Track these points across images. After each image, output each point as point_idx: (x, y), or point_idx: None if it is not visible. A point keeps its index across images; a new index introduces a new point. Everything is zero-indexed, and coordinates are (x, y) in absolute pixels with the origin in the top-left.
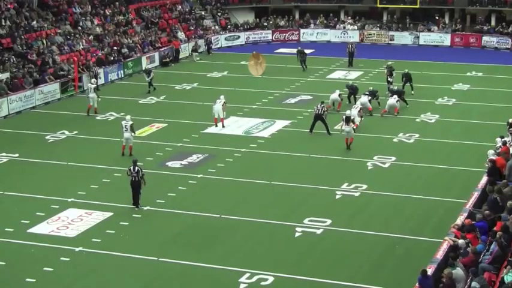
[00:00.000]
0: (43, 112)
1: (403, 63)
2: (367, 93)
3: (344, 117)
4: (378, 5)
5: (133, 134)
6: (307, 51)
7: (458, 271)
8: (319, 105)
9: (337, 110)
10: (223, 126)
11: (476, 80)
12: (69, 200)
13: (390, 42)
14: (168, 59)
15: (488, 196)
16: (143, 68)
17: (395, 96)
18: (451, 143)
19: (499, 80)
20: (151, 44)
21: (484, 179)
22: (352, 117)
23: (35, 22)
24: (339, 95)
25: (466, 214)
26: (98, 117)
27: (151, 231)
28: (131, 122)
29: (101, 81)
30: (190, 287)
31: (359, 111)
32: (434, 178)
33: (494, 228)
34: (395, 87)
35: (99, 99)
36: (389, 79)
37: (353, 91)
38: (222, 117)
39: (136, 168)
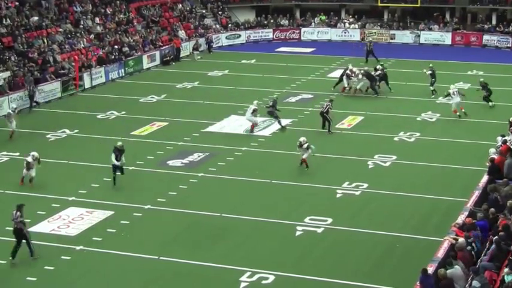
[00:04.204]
0: (44, 111)
1: (404, 62)
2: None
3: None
4: (379, 4)
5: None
6: (307, 50)
7: (456, 270)
8: (325, 103)
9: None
10: None
11: (477, 78)
12: (70, 198)
13: (391, 41)
14: (169, 58)
15: (488, 195)
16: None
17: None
18: (451, 142)
19: (500, 79)
20: (152, 42)
21: (485, 177)
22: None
23: (35, 19)
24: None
25: (466, 213)
26: (98, 116)
27: (152, 230)
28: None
29: (102, 79)
30: (191, 285)
31: None
32: (435, 177)
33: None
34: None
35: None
36: (432, 79)
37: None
38: None
39: (18, 213)
